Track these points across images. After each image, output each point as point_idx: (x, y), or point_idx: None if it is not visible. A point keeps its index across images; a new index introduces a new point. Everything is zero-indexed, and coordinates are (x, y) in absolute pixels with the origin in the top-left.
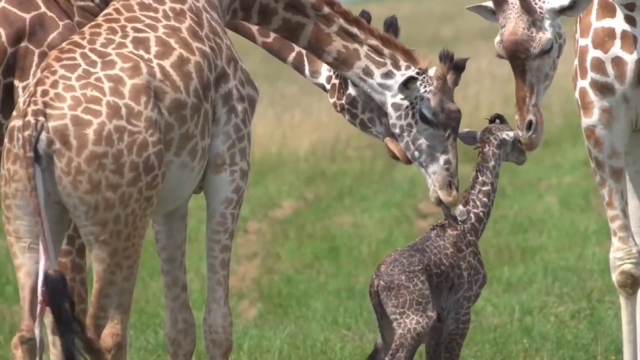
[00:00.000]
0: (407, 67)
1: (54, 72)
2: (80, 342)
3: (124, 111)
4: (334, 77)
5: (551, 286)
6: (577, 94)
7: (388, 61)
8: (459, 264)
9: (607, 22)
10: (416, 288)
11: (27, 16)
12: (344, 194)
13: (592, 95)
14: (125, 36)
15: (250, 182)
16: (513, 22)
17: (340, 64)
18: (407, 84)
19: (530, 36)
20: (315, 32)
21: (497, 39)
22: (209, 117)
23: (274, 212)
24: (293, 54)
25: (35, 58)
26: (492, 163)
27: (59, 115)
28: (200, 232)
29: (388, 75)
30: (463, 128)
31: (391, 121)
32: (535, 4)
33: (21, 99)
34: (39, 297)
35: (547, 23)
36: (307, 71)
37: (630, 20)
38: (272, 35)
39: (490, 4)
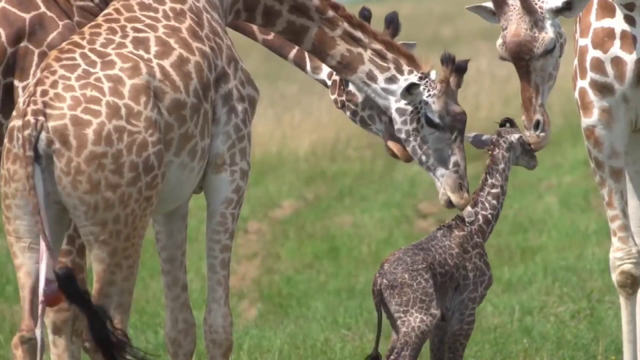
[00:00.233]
0: (410, 72)
1: (53, 72)
2: (111, 327)
3: (123, 111)
4: (334, 73)
5: (551, 286)
6: (576, 94)
7: (391, 66)
8: (465, 265)
9: (607, 22)
10: (420, 286)
11: (27, 16)
12: (344, 194)
13: (591, 95)
14: (125, 36)
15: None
16: (515, 24)
17: (344, 67)
18: (410, 90)
19: (533, 36)
20: (319, 35)
21: (499, 41)
22: (208, 117)
23: (274, 212)
24: (294, 51)
25: (35, 58)
26: (501, 166)
27: (58, 115)
28: (201, 232)
29: (391, 80)
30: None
31: (396, 126)
32: (535, 4)
33: (21, 99)
34: (40, 297)
35: (548, 23)
36: (308, 67)
37: (629, 20)
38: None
39: (490, 5)
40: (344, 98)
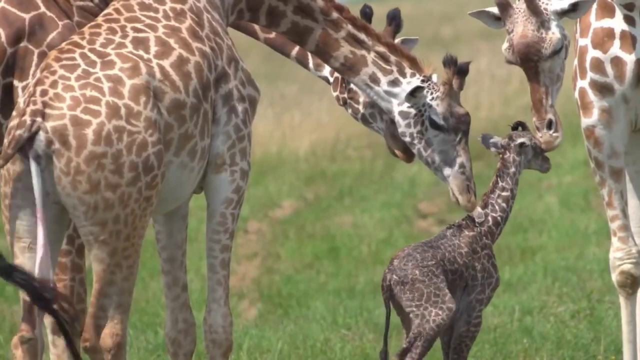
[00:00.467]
0: (412, 75)
1: (53, 72)
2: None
3: (123, 111)
4: None
5: (551, 286)
6: (576, 94)
7: (394, 68)
8: (474, 265)
9: (607, 22)
10: (432, 282)
11: (27, 16)
12: (344, 194)
13: (591, 95)
14: (125, 36)
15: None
16: (522, 26)
17: (347, 69)
18: (414, 93)
19: (540, 37)
20: (323, 36)
21: (505, 45)
22: (208, 117)
23: (274, 212)
24: (296, 49)
25: (35, 58)
26: (512, 169)
27: (58, 116)
28: (201, 232)
29: (394, 82)
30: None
31: (400, 129)
32: (540, 5)
33: (21, 99)
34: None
35: (553, 24)
36: (310, 64)
37: (629, 20)
38: None
39: (492, 9)
40: (345, 95)
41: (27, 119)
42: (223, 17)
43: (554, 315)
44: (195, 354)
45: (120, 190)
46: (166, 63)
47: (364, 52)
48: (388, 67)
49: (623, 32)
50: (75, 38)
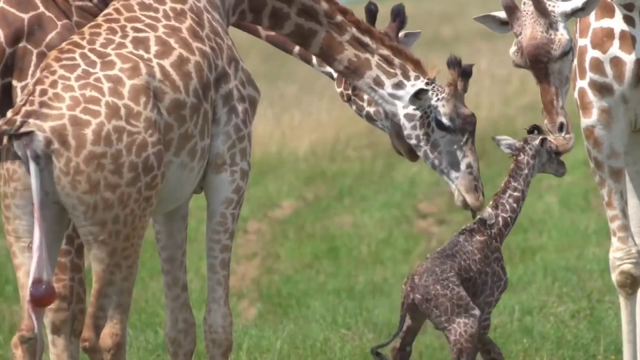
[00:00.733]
0: (417, 77)
1: (53, 72)
2: None
3: (123, 111)
4: None
5: (551, 286)
6: (576, 94)
7: (398, 71)
8: (486, 271)
9: (606, 22)
10: (453, 293)
11: (26, 16)
12: (344, 194)
13: (591, 95)
14: (125, 36)
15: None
16: (530, 28)
17: (351, 73)
18: (418, 95)
19: (550, 39)
20: (327, 39)
21: (513, 48)
22: (208, 117)
23: (273, 212)
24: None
25: (34, 58)
26: (525, 172)
27: (57, 115)
28: (200, 232)
29: (399, 85)
30: None
31: (406, 132)
32: (548, 6)
33: (19, 98)
34: (27, 297)
35: (561, 26)
36: (314, 60)
37: (629, 20)
38: None
39: (498, 14)
40: (350, 92)
41: (18, 118)
42: (223, 17)
43: (554, 315)
44: (195, 354)
45: (119, 190)
46: (166, 63)
47: (367, 55)
48: (392, 70)
49: (622, 32)
50: (76, 38)
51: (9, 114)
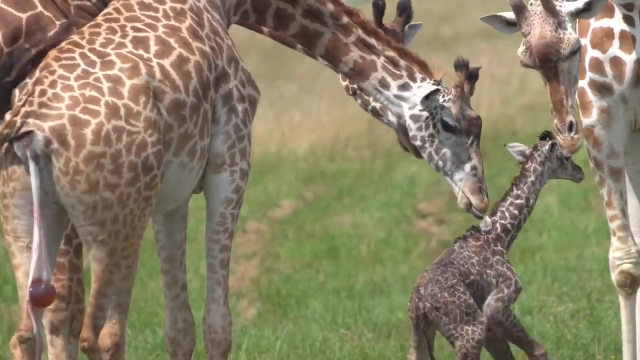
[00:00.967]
0: (423, 79)
1: (53, 72)
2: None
3: (122, 112)
4: None
5: (551, 286)
6: (576, 94)
7: (404, 73)
8: (487, 272)
9: (606, 23)
10: (461, 300)
11: (24, 16)
12: (344, 194)
13: (591, 95)
14: (125, 36)
15: (250, 182)
16: (539, 27)
17: (357, 74)
18: (430, 96)
19: (559, 38)
20: (332, 41)
21: (522, 48)
22: (208, 117)
23: (273, 212)
24: None
25: (33, 58)
26: (531, 179)
27: (57, 116)
28: (200, 232)
29: (405, 87)
30: None
31: (411, 133)
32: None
33: (18, 98)
34: (27, 298)
35: (569, 26)
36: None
37: (629, 20)
38: None
39: (505, 14)
40: (355, 86)
41: (18, 119)
42: (224, 18)
43: (554, 315)
44: (195, 354)
45: (119, 190)
46: (166, 63)
47: (373, 57)
48: (398, 72)
49: (622, 32)
50: (75, 38)
51: (9, 116)
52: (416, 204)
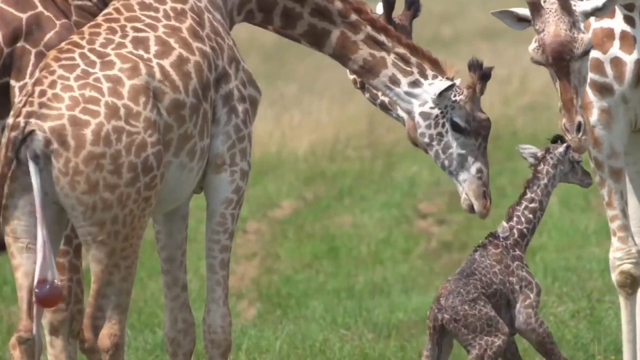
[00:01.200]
0: (434, 77)
1: (52, 72)
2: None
3: (122, 112)
4: None
5: (551, 286)
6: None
7: (415, 70)
8: (509, 280)
9: (606, 23)
10: (481, 313)
11: (24, 16)
12: (344, 194)
13: (591, 95)
14: (124, 36)
15: (250, 182)
16: (554, 25)
17: (366, 72)
18: (444, 92)
19: (573, 37)
20: (341, 39)
21: (534, 45)
22: (208, 117)
23: (273, 212)
24: None
25: (32, 58)
26: (543, 181)
27: (56, 116)
28: (200, 232)
29: (415, 83)
30: None
31: (420, 130)
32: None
33: (18, 99)
34: (33, 299)
35: (582, 25)
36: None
37: (629, 20)
38: None
39: (516, 10)
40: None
41: (21, 120)
42: (226, 17)
43: (554, 315)
44: (194, 354)
45: (119, 190)
46: (166, 63)
47: (383, 54)
48: (408, 69)
49: (623, 33)
50: (75, 38)
51: (11, 118)
52: (416, 204)
